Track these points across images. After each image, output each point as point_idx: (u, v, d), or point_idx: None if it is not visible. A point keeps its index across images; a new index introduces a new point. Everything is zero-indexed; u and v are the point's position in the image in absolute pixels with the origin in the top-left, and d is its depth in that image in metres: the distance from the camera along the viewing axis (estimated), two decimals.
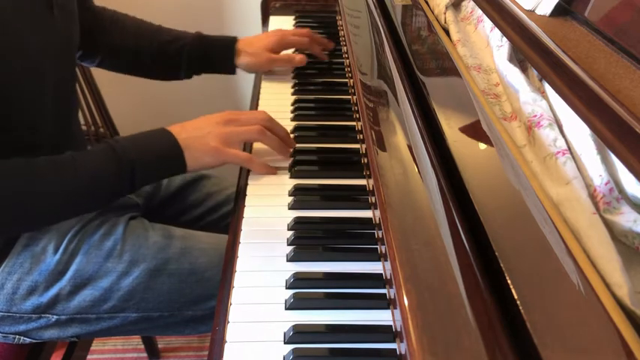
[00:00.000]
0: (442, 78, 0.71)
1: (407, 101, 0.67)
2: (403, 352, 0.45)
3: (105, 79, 1.37)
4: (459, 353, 0.39)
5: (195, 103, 1.78)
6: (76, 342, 1.01)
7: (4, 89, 0.73)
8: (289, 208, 0.76)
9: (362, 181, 0.81)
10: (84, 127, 1.35)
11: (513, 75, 0.60)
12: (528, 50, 0.58)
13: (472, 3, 0.77)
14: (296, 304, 0.61)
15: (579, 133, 0.49)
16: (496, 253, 0.43)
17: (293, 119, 0.98)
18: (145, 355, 1.49)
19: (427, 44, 0.80)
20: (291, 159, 0.86)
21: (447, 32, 0.77)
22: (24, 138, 0.79)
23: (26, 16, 0.74)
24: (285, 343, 0.57)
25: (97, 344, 1.50)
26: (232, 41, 1.06)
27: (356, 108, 0.91)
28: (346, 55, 1.09)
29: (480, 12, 0.75)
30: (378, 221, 0.64)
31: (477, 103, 0.58)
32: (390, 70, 0.76)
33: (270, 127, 0.82)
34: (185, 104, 1.77)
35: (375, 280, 0.64)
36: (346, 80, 1.10)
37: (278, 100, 1.04)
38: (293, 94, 1.06)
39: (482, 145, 0.56)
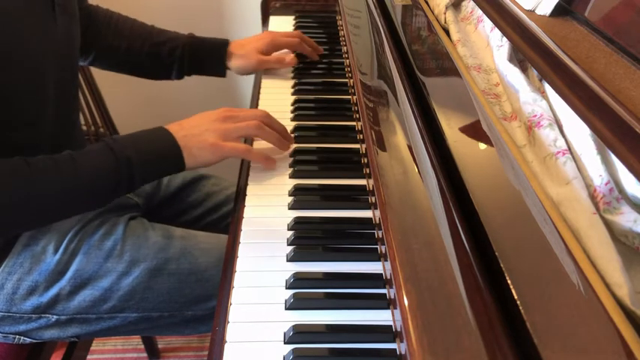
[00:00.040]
0: (442, 78, 0.71)
1: (407, 101, 0.67)
2: (403, 352, 0.45)
3: (105, 79, 1.37)
4: (459, 353, 0.39)
5: (195, 103, 1.77)
6: (76, 342, 1.01)
7: (4, 89, 0.73)
8: (289, 208, 0.76)
9: (362, 181, 0.81)
10: (84, 127, 1.35)
11: (513, 75, 0.60)
12: (528, 50, 0.58)
13: (472, 3, 0.77)
14: (296, 304, 0.61)
15: (579, 133, 0.49)
16: (496, 253, 0.43)
17: (293, 119, 0.98)
18: (145, 355, 1.49)
19: (427, 44, 0.80)
20: (291, 159, 0.86)
21: (447, 32, 0.77)
22: (24, 138, 0.79)
23: (28, 16, 0.74)
24: (285, 343, 0.57)
25: (97, 344, 1.50)
26: (223, 44, 1.07)
27: (356, 108, 0.91)
28: (346, 55, 1.09)
29: (480, 12, 0.75)
30: (378, 221, 0.64)
31: (477, 103, 0.58)
32: (390, 70, 0.76)
33: (268, 122, 0.82)
34: (185, 104, 1.77)
35: (375, 280, 0.64)
36: (346, 80, 1.10)
37: (278, 100, 1.04)
38: (293, 94, 1.06)
39: (482, 145, 0.56)
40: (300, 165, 0.84)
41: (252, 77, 1.17)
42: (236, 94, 1.83)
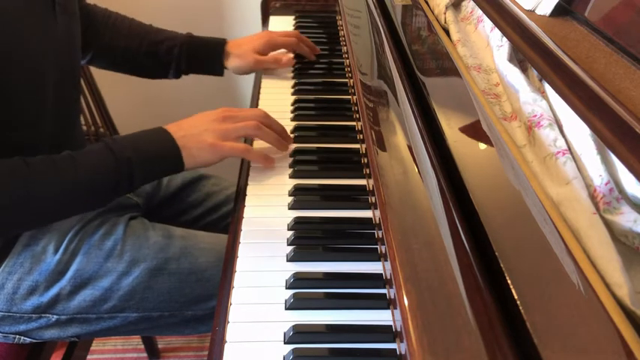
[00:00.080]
0: (442, 78, 0.71)
1: (407, 101, 0.67)
2: (403, 352, 0.45)
3: (104, 78, 1.37)
4: (459, 353, 0.39)
5: (195, 102, 1.77)
6: (76, 342, 1.01)
7: (4, 89, 0.73)
8: (289, 208, 0.76)
9: (362, 181, 0.81)
10: (84, 127, 1.35)
11: (513, 75, 0.60)
12: (528, 50, 0.58)
13: (472, 3, 0.77)
14: (296, 304, 0.61)
15: (579, 133, 0.49)
16: (496, 253, 0.43)
17: (293, 119, 0.98)
18: (145, 355, 1.49)
19: (427, 44, 0.80)
20: (291, 159, 0.86)
21: (447, 32, 0.77)
22: (24, 138, 0.79)
23: (28, 16, 0.74)
24: (285, 343, 0.57)
25: (97, 344, 1.50)
26: (221, 43, 1.07)
27: (356, 108, 0.91)
28: (346, 55, 1.09)
29: (480, 12, 0.75)
30: (378, 221, 0.64)
31: (477, 103, 0.58)
32: (390, 70, 0.76)
33: (267, 122, 0.82)
34: (185, 104, 1.77)
35: (375, 280, 0.64)
36: (346, 80, 1.10)
37: (278, 100, 1.04)
38: (293, 94, 1.06)
39: (483, 145, 0.56)
40: (300, 165, 0.84)
41: (252, 77, 1.17)
42: (236, 94, 1.83)
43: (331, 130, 0.94)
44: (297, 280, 0.63)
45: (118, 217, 0.88)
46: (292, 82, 1.10)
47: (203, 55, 1.07)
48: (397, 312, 0.48)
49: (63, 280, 0.80)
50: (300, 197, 0.77)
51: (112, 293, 0.81)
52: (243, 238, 0.71)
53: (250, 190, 0.80)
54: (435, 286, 0.44)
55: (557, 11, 0.60)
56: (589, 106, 0.46)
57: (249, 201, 0.78)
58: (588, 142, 0.47)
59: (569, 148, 0.49)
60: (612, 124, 0.42)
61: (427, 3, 0.87)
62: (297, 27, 1.33)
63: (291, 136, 0.90)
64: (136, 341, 1.51)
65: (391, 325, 0.58)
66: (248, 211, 0.76)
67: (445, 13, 0.79)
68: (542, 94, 0.57)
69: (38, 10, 0.76)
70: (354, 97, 0.91)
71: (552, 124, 0.52)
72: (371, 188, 0.72)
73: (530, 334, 0.37)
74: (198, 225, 1.04)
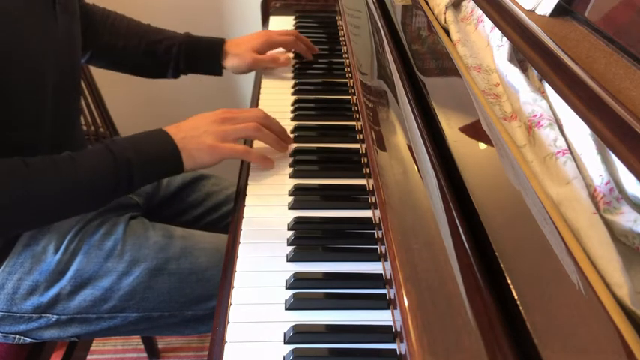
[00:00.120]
0: (442, 78, 0.71)
1: (407, 101, 0.67)
2: (403, 352, 0.45)
3: (104, 78, 1.37)
4: (459, 353, 0.39)
5: (196, 103, 1.78)
6: (76, 342, 1.01)
7: (4, 89, 0.73)
8: (289, 208, 0.76)
9: (362, 181, 0.81)
10: (84, 127, 1.35)
11: (513, 75, 0.60)
12: (528, 50, 0.58)
13: (472, 3, 0.77)
14: (296, 304, 0.61)
15: (579, 133, 0.49)
16: (496, 253, 0.43)
17: (293, 119, 0.98)
18: (145, 355, 1.49)
19: (427, 44, 0.80)
20: (291, 159, 0.86)
21: (447, 32, 0.77)
22: (24, 138, 0.79)
23: (28, 16, 0.74)
24: (285, 343, 0.57)
25: (97, 344, 1.50)
26: (219, 43, 1.07)
27: (356, 108, 0.91)
28: (346, 55, 1.09)
29: (480, 12, 0.75)
30: (378, 221, 0.64)
31: (477, 103, 0.58)
32: (390, 70, 0.76)
33: (266, 123, 0.82)
34: (185, 104, 1.77)
35: (375, 280, 0.64)
36: (346, 80, 1.10)
37: (278, 100, 1.04)
38: (293, 94, 1.06)
39: (483, 145, 0.56)
40: (300, 165, 0.84)
41: (252, 77, 1.17)
42: (236, 94, 1.83)
43: (331, 130, 0.94)
44: (297, 280, 0.63)
45: (118, 217, 0.88)
46: (292, 82, 1.10)
47: (201, 55, 1.07)
48: (397, 312, 0.48)
49: (63, 280, 0.80)
50: (300, 197, 0.77)
51: (112, 293, 0.81)
52: (243, 238, 0.71)
53: (250, 190, 0.80)
54: (435, 286, 0.44)
55: (557, 11, 0.60)
56: (589, 106, 0.46)
57: (249, 201, 0.78)
58: (588, 142, 0.47)
59: (569, 148, 0.49)
60: (612, 124, 0.42)
61: (427, 3, 0.87)
62: (297, 27, 1.33)
63: (291, 136, 0.90)
64: (136, 341, 1.51)
65: (391, 325, 0.58)
66: (248, 211, 0.76)
67: (445, 13, 0.79)
68: (542, 94, 0.57)
69: (38, 10, 0.76)
70: (354, 97, 0.91)
71: (552, 124, 0.52)
72: (371, 188, 0.72)
73: (530, 334, 0.37)
74: (198, 225, 1.04)
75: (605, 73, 0.47)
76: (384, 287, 0.63)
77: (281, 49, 1.14)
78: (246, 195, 0.79)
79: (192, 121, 0.79)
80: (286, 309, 0.61)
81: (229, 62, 1.07)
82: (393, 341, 0.57)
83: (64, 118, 0.87)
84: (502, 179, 0.51)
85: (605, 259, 0.39)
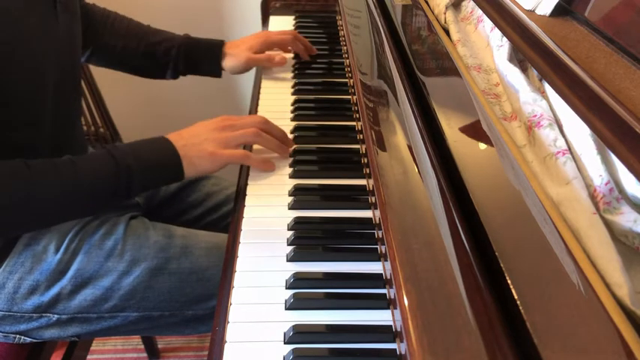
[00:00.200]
0: (442, 78, 0.71)
1: (407, 101, 0.67)
2: (403, 352, 0.45)
3: (104, 78, 1.37)
4: (459, 353, 0.39)
5: (195, 103, 1.78)
6: (76, 342, 1.01)
7: (4, 89, 0.73)
8: (289, 208, 0.76)
9: (362, 181, 0.81)
10: (84, 127, 1.35)
11: (513, 75, 0.60)
12: (528, 50, 0.58)
13: (472, 3, 0.77)
14: (296, 304, 0.61)
15: (579, 133, 0.49)
16: (496, 253, 0.43)
17: (293, 119, 0.98)
18: (145, 355, 1.49)
19: (427, 44, 0.80)
20: (291, 159, 0.86)
21: (447, 32, 0.77)
22: (24, 138, 0.79)
23: (29, 16, 0.74)
24: (285, 343, 0.57)
25: (97, 344, 1.50)
26: (219, 45, 1.08)
27: (356, 108, 0.91)
28: (346, 55, 1.09)
29: (480, 12, 0.75)
30: (378, 221, 0.64)
31: (477, 103, 0.58)
32: (390, 70, 0.76)
33: (266, 128, 0.83)
34: (185, 104, 1.77)
35: (375, 280, 0.64)
36: (346, 80, 1.10)
37: (278, 100, 1.04)
38: (293, 94, 1.06)
39: (483, 145, 0.56)
40: (300, 165, 0.84)
41: (252, 77, 1.17)
42: (236, 94, 1.83)
43: (331, 130, 0.94)
44: (297, 280, 0.63)
45: (119, 216, 0.88)
46: (292, 82, 1.10)
47: (201, 57, 1.08)
48: (397, 312, 0.48)
49: (64, 280, 0.80)
50: (300, 197, 0.77)
51: (113, 293, 0.81)
52: (243, 238, 0.71)
53: (250, 190, 0.80)
54: (435, 286, 0.44)
55: (557, 11, 0.60)
56: (589, 106, 0.46)
57: (249, 201, 0.78)
58: (588, 142, 0.47)
59: (569, 148, 0.49)
60: (612, 124, 0.42)
61: (427, 3, 0.87)
62: (297, 27, 1.33)
63: (291, 136, 0.90)
64: (136, 341, 1.51)
65: (391, 325, 0.58)
66: (248, 211, 0.76)
67: (445, 13, 0.79)
68: (542, 94, 0.57)
69: (39, 10, 0.76)
70: (354, 97, 0.91)
71: (552, 124, 0.52)
72: (371, 188, 0.72)
73: (530, 334, 0.37)
74: (198, 225, 1.04)
75: (605, 73, 0.47)
76: (384, 287, 0.63)
77: (279, 51, 1.14)
78: (246, 195, 0.79)
79: (193, 128, 0.80)
80: (286, 309, 0.61)
81: (226, 62, 1.08)
82: (393, 341, 0.57)
83: (64, 118, 0.87)
84: (502, 179, 0.51)
85: (605, 259, 0.39)
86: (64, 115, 0.86)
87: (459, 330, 0.40)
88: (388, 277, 0.58)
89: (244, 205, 0.77)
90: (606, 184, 0.44)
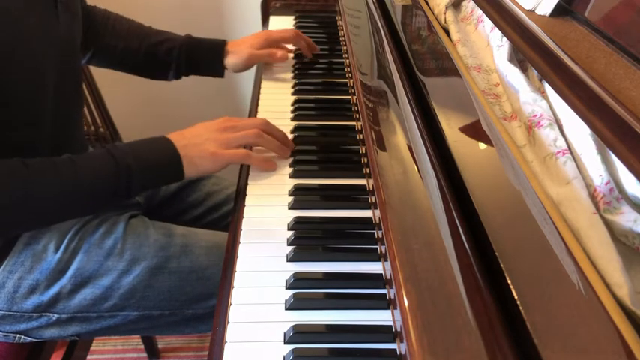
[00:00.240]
0: (442, 78, 0.71)
1: (407, 101, 0.67)
2: (403, 352, 0.45)
3: (105, 78, 1.37)
4: (459, 353, 0.39)
5: (195, 103, 1.78)
6: (76, 341, 1.01)
7: (4, 89, 0.73)
8: (289, 208, 0.76)
9: (362, 181, 0.81)
10: (84, 127, 1.35)
11: (513, 75, 0.60)
12: (528, 50, 0.58)
13: (472, 3, 0.77)
14: (296, 304, 0.61)
15: (579, 133, 0.49)
16: (496, 253, 0.43)
17: (293, 119, 0.98)
18: (145, 355, 1.49)
19: (427, 44, 0.80)
20: (291, 159, 0.86)
21: (447, 32, 0.77)
22: (24, 138, 0.79)
23: (29, 16, 0.74)
24: (285, 343, 0.57)
25: (97, 344, 1.50)
26: (221, 44, 1.08)
27: (356, 108, 0.91)
28: (346, 55, 1.09)
29: (480, 12, 0.75)
30: (378, 221, 0.64)
31: (477, 103, 0.58)
32: (390, 70, 0.76)
33: (267, 130, 0.83)
34: (185, 104, 1.77)
35: (375, 280, 0.64)
36: (346, 80, 1.10)
37: (278, 100, 1.04)
38: (293, 94, 1.06)
39: (482, 145, 0.56)
40: (300, 165, 0.84)
41: (252, 77, 1.17)
42: (236, 94, 1.83)
43: (331, 130, 0.94)
44: (297, 280, 0.63)
45: (119, 215, 0.88)
46: (292, 82, 1.10)
47: (203, 56, 1.08)
48: (397, 312, 0.48)
49: (63, 279, 0.80)
50: (300, 197, 0.77)
51: (113, 292, 0.81)
52: (243, 238, 0.71)
53: (250, 190, 0.80)
54: (435, 286, 0.44)
55: (557, 11, 0.60)
56: (589, 106, 0.46)
57: (249, 201, 0.78)
58: (588, 142, 0.47)
59: (569, 148, 0.49)
60: (612, 124, 0.42)
61: (427, 3, 0.87)
62: (297, 27, 1.33)
63: (291, 136, 0.90)
64: (136, 341, 1.51)
65: (391, 325, 0.58)
66: (248, 211, 0.76)
67: (445, 13, 0.79)
68: (542, 94, 0.57)
69: (39, 10, 0.76)
70: (354, 97, 0.91)
71: (552, 124, 0.52)
72: (371, 188, 0.72)
73: (530, 334, 0.37)
74: (198, 224, 1.04)
75: (605, 73, 0.47)
76: (384, 287, 0.63)
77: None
78: (246, 195, 0.79)
79: (195, 129, 0.80)
80: (286, 309, 0.61)
81: (228, 60, 1.08)
82: (393, 341, 0.57)
83: (65, 118, 0.87)
84: (502, 179, 0.51)
85: (605, 259, 0.39)
86: (64, 116, 0.86)
87: (459, 330, 0.40)
88: (388, 277, 0.58)
89: (244, 205, 0.77)
90: (606, 184, 0.44)
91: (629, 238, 0.42)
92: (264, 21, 1.42)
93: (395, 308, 0.53)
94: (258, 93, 1.07)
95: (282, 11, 1.42)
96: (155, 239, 0.84)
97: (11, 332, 0.83)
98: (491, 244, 0.44)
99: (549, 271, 0.41)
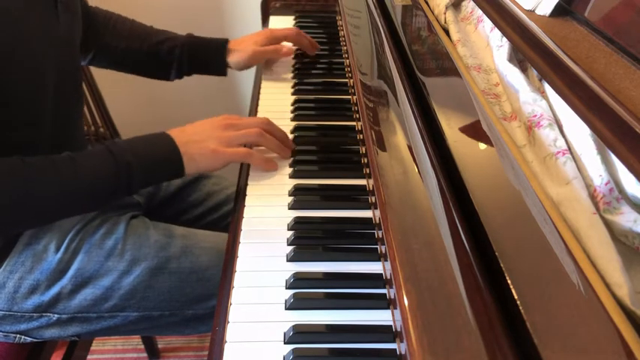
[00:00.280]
0: (442, 78, 0.71)
1: (407, 101, 0.67)
2: (403, 352, 0.45)
3: (105, 79, 1.37)
4: (459, 353, 0.39)
5: (196, 103, 1.78)
6: (76, 341, 1.01)
7: (4, 89, 0.73)
8: (289, 208, 0.76)
9: (362, 181, 0.81)
10: (84, 127, 1.35)
11: (513, 75, 0.60)
12: (528, 50, 0.58)
13: (472, 3, 0.77)
14: (296, 304, 0.61)
15: (579, 133, 0.49)
16: (496, 253, 0.43)
17: (293, 119, 0.98)
18: (145, 355, 1.49)
19: (427, 44, 0.80)
20: (291, 159, 0.86)
21: (447, 32, 0.77)
22: (24, 138, 0.79)
23: (29, 16, 0.74)
24: (285, 343, 0.57)
25: (97, 344, 1.50)
26: (223, 43, 1.08)
27: (356, 108, 0.91)
28: (346, 55, 1.09)
29: (480, 12, 0.75)
30: (378, 221, 0.64)
31: (477, 103, 0.58)
32: (390, 70, 0.76)
33: (269, 129, 0.83)
34: (185, 104, 1.77)
35: (375, 280, 0.64)
36: (346, 80, 1.10)
37: (278, 100, 1.04)
38: (293, 94, 1.06)
39: (482, 145, 0.56)
40: (300, 165, 0.84)
41: (252, 77, 1.17)
42: (236, 94, 1.83)
43: (331, 130, 0.94)
44: (297, 280, 0.63)
45: (119, 216, 0.88)
46: (292, 82, 1.10)
47: (205, 55, 1.07)
48: (397, 312, 0.48)
49: (64, 279, 0.80)
50: (300, 197, 0.77)
51: (113, 292, 0.81)
52: (243, 238, 0.71)
53: (250, 190, 0.80)
54: (435, 286, 0.44)
55: (557, 11, 0.60)
56: (589, 106, 0.46)
57: (249, 201, 0.78)
58: (588, 142, 0.47)
59: (569, 148, 0.49)
60: (612, 124, 0.42)
61: (427, 3, 0.87)
62: (297, 27, 1.33)
63: (291, 136, 0.90)
64: (136, 341, 1.51)
65: (391, 325, 0.58)
66: (248, 211, 0.76)
67: (445, 13, 0.79)
68: (542, 94, 0.57)
69: (39, 10, 0.76)
70: (354, 97, 0.91)
71: (552, 124, 0.52)
72: (371, 188, 0.72)
73: (530, 334, 0.37)
74: (198, 224, 1.04)
75: (605, 73, 0.47)
76: (384, 287, 0.63)
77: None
78: (246, 195, 0.79)
79: (196, 126, 0.80)
80: (286, 309, 0.61)
81: (232, 58, 1.07)
82: (393, 341, 0.57)
83: (65, 118, 0.87)
84: (502, 179, 0.51)
85: (605, 259, 0.39)
86: (64, 115, 0.86)
87: (459, 330, 0.40)
88: (388, 277, 0.58)
89: (244, 205, 0.77)
90: (606, 184, 0.44)
91: (629, 238, 0.42)
92: (264, 21, 1.42)
93: (395, 308, 0.53)
94: (258, 93, 1.07)
95: (282, 11, 1.42)
96: (155, 240, 0.84)
97: (11, 332, 0.83)
98: (491, 244, 0.44)
99: (549, 271, 0.41)
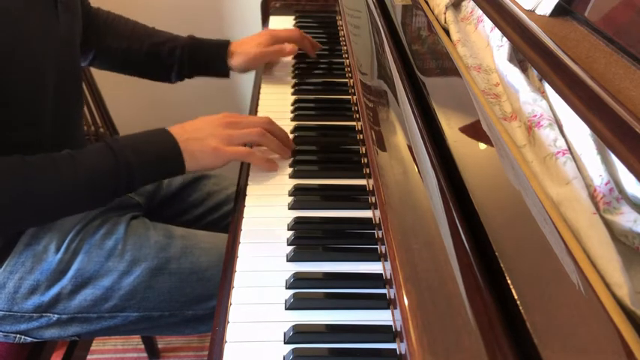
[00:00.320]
0: (442, 78, 0.71)
1: (407, 101, 0.67)
2: (403, 352, 0.45)
3: (106, 79, 1.37)
4: (459, 353, 0.39)
5: (196, 103, 1.78)
6: (76, 341, 1.01)
7: (4, 89, 0.73)
8: (289, 208, 0.76)
9: (362, 181, 0.81)
10: (84, 127, 1.35)
11: (513, 75, 0.60)
12: (528, 50, 0.58)
13: (472, 3, 0.77)
14: (296, 304, 0.61)
15: (579, 133, 0.49)
16: (496, 253, 0.43)
17: (293, 119, 0.98)
18: (145, 355, 1.49)
19: (427, 44, 0.80)
20: (291, 159, 0.86)
21: (447, 32, 0.77)
22: (24, 138, 0.79)
23: (29, 16, 0.74)
24: (285, 343, 0.57)
25: (97, 344, 1.50)
26: (225, 44, 1.07)
27: (356, 108, 0.91)
28: (346, 55, 1.09)
29: (480, 12, 0.75)
30: (378, 221, 0.64)
31: (477, 103, 0.58)
32: (390, 70, 0.76)
33: (271, 129, 0.83)
34: (185, 105, 1.77)
35: (375, 280, 0.64)
36: (346, 80, 1.10)
37: (278, 100, 1.04)
38: (293, 94, 1.06)
39: (482, 145, 0.56)
40: (300, 165, 0.84)
41: (252, 78, 1.17)
42: (236, 94, 1.83)
43: (331, 130, 0.94)
44: (297, 280, 0.63)
45: (119, 216, 0.88)
46: (292, 82, 1.10)
47: (206, 57, 1.07)
48: (397, 312, 0.48)
49: (64, 280, 0.80)
50: (300, 197, 0.77)
51: (113, 292, 0.81)
52: (243, 238, 0.71)
53: (250, 190, 0.80)
54: (435, 286, 0.44)
55: (557, 11, 0.60)
56: (589, 106, 0.46)
57: (249, 201, 0.78)
58: (588, 142, 0.47)
59: (569, 148, 0.49)
60: (612, 124, 0.42)
61: (427, 3, 0.87)
62: (297, 27, 1.33)
63: (291, 136, 0.90)
64: (136, 341, 1.51)
65: (391, 325, 0.58)
66: (248, 211, 0.76)
67: (445, 13, 0.79)
68: (542, 94, 0.57)
69: (39, 10, 0.76)
70: (354, 97, 0.91)
71: (552, 124, 0.52)
72: (371, 188, 0.72)
73: (530, 334, 0.37)
74: (199, 224, 1.04)
75: (605, 73, 0.47)
76: (384, 287, 0.63)
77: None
78: (246, 195, 0.79)
79: (197, 122, 0.79)
80: (286, 309, 0.61)
81: (235, 60, 1.07)
82: (393, 341, 0.57)
83: (65, 119, 0.87)
84: (502, 179, 0.51)
85: (605, 259, 0.39)
86: (64, 116, 0.86)
87: (459, 330, 0.40)
88: (388, 277, 0.58)
89: (244, 205, 0.77)
90: (606, 184, 0.44)
91: (629, 238, 0.42)
92: (264, 21, 1.42)
93: (395, 308, 0.53)
94: (258, 93, 1.07)
95: (282, 11, 1.42)
96: (155, 240, 0.84)
97: (11, 332, 0.83)
98: (491, 244, 0.44)
99: (549, 271, 0.41)
